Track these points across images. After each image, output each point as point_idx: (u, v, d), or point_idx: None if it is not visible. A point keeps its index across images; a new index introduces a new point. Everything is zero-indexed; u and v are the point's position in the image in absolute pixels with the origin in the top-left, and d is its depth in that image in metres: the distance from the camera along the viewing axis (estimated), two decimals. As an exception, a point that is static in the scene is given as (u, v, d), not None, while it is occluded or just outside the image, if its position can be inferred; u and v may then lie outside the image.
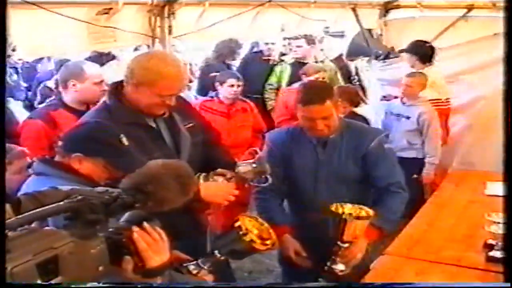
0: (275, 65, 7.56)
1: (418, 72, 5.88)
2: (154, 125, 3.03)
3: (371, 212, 3.04)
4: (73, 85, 3.97)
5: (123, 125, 2.75)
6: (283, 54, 7.98)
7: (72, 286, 1.36)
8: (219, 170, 3.06)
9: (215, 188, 3.02)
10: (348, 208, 3.02)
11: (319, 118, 3.31)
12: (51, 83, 7.01)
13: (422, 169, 5.71)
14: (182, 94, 3.35)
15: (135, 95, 2.93)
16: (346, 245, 3.05)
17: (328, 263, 3.13)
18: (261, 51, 8.06)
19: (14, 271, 1.18)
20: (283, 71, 7.39)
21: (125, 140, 2.51)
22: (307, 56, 7.39)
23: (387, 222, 3.34)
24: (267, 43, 7.98)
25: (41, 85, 7.46)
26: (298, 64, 7.15)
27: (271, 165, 3.24)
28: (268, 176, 3.17)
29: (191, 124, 3.17)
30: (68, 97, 3.99)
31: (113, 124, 2.71)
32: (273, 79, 7.44)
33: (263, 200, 3.57)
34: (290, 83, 7.09)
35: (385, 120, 5.94)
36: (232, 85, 5.68)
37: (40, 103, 6.87)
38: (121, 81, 3.02)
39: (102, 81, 4.06)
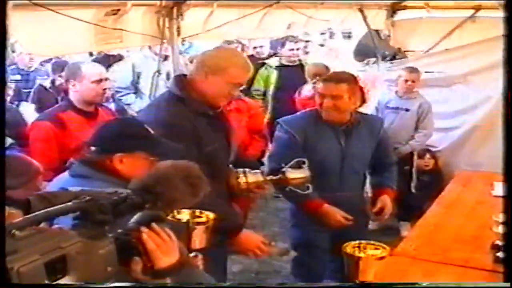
0: (259, 68, 7.12)
1: (415, 67, 6.04)
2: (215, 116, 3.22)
3: (387, 250, 2.88)
4: (73, 85, 4.00)
5: (195, 115, 3.07)
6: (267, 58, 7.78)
7: (74, 286, 1.36)
8: (261, 170, 3.32)
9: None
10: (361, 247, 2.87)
11: (329, 95, 3.68)
12: (47, 83, 7.03)
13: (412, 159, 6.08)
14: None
15: (203, 86, 3.10)
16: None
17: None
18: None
19: (21, 270, 1.18)
20: (270, 75, 7.07)
21: (151, 130, 2.55)
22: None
23: (395, 183, 4.17)
24: (255, 47, 7.94)
25: (36, 84, 7.45)
26: (285, 68, 7.01)
27: (293, 152, 3.59)
28: (310, 185, 3.39)
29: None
30: (73, 98, 4.01)
31: (185, 114, 3.04)
32: (259, 84, 7.10)
33: None
34: (278, 88, 6.95)
35: (380, 114, 6.04)
36: None
37: (34, 102, 6.89)
38: (184, 75, 3.24)
39: (101, 80, 4.02)
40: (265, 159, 3.88)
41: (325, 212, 3.75)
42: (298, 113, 4.20)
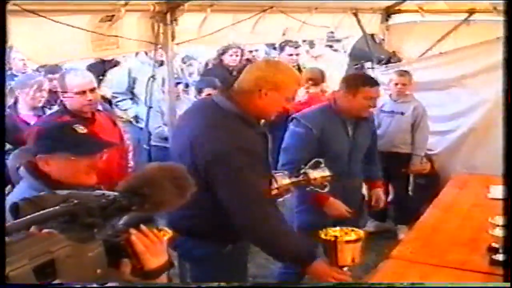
0: None
1: (405, 70, 6.06)
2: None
3: (361, 233, 2.98)
4: (61, 94, 4.00)
5: (252, 131, 3.02)
6: None
7: (76, 286, 1.36)
8: (286, 173, 3.33)
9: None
10: (337, 232, 2.98)
11: (376, 97, 4.30)
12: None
13: (409, 162, 6.02)
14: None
15: (260, 101, 3.00)
16: (345, 269, 2.93)
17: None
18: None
19: (10, 275, 1.18)
20: None
21: (80, 129, 2.58)
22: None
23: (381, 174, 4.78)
24: (251, 51, 7.92)
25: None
26: None
27: (309, 145, 4.07)
28: (327, 184, 3.48)
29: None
30: (66, 104, 4.01)
31: (251, 134, 3.01)
32: None
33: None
34: None
35: (376, 117, 6.05)
36: (209, 94, 5.51)
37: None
38: (229, 88, 3.12)
39: (85, 91, 3.98)
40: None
41: (330, 205, 4.09)
42: (313, 107, 4.58)
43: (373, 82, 4.31)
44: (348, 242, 2.90)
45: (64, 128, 2.62)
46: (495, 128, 5.70)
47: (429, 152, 6.32)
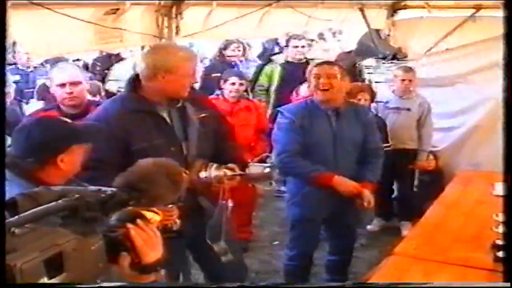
0: (265, 65, 7.24)
1: (409, 66, 6.07)
2: (165, 114, 3.28)
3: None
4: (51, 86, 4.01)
5: (130, 112, 3.19)
6: (274, 54, 7.81)
7: (76, 285, 1.37)
8: (230, 165, 3.29)
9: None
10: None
11: (324, 75, 4.10)
12: (48, 82, 7.03)
13: (415, 158, 6.01)
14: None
15: (159, 85, 3.21)
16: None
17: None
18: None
19: (23, 267, 1.19)
20: (274, 72, 7.06)
21: (66, 118, 2.62)
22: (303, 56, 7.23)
23: (376, 177, 4.35)
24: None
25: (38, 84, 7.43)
26: (290, 65, 7.03)
27: (294, 133, 4.10)
28: (274, 182, 3.42)
29: (204, 115, 3.43)
30: None
31: (115, 112, 3.18)
32: (263, 80, 7.10)
33: (298, 161, 4.15)
34: (280, 84, 6.93)
35: (380, 114, 6.02)
36: (234, 83, 5.58)
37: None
38: (136, 75, 3.31)
39: (65, 84, 3.86)
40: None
41: (338, 182, 4.10)
42: (298, 102, 4.80)
43: (323, 62, 4.47)
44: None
45: (61, 123, 2.57)
46: (500, 125, 5.65)
47: (433, 149, 6.31)
